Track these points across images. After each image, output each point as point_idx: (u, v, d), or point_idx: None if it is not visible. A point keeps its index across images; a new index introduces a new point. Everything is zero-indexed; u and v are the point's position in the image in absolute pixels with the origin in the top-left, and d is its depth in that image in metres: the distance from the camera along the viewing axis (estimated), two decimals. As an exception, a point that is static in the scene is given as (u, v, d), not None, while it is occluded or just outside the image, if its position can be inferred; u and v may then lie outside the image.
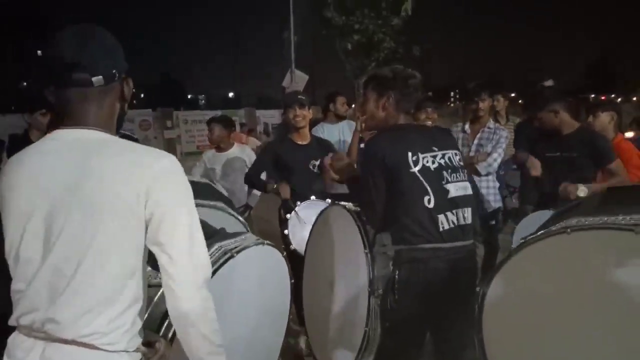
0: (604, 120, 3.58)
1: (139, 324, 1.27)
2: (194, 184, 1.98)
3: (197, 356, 1.28)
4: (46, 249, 1.17)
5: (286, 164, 3.67)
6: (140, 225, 1.21)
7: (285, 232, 3.39)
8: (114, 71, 1.27)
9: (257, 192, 4.70)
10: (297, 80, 12.22)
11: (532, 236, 1.46)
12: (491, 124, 4.27)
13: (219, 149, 4.74)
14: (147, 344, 1.31)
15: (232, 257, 1.76)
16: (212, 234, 1.91)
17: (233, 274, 1.79)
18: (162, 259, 1.23)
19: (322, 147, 3.78)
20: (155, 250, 1.23)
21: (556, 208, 2.88)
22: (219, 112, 16.30)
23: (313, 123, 4.26)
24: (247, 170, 4.68)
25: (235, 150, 4.73)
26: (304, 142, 3.72)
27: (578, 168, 3.12)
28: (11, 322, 1.22)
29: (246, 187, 4.72)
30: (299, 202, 3.47)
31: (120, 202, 1.18)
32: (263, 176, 4.01)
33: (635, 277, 1.25)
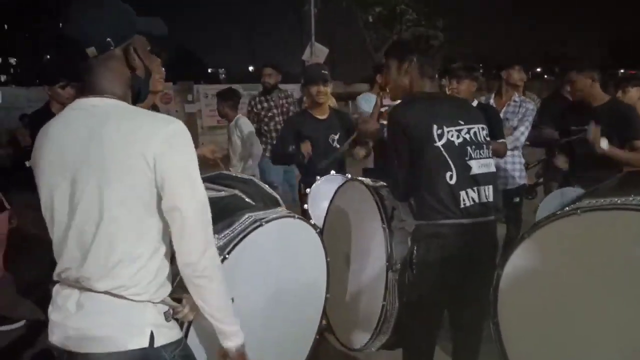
0: (634, 95, 3.44)
1: (163, 276, 1.34)
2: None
3: (207, 312, 1.37)
4: (71, 212, 1.28)
5: (306, 138, 3.62)
6: (150, 186, 1.25)
7: (305, 206, 3.38)
8: (108, 39, 1.29)
9: (249, 169, 4.78)
10: (317, 53, 12.03)
11: (544, 218, 1.44)
12: (517, 97, 4.14)
13: (229, 121, 4.98)
14: (176, 300, 1.40)
15: (260, 225, 1.78)
16: (245, 207, 1.96)
17: (262, 242, 1.81)
18: (169, 219, 1.29)
19: (342, 120, 3.74)
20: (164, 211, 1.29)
21: (580, 185, 2.83)
22: (239, 86, 16.29)
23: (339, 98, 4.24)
24: (238, 140, 4.83)
25: (232, 122, 4.89)
26: (323, 117, 3.69)
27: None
28: (54, 276, 1.37)
29: (243, 159, 4.86)
30: (318, 177, 3.45)
31: (128, 164, 1.23)
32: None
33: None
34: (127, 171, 1.24)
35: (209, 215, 1.34)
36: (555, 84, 4.97)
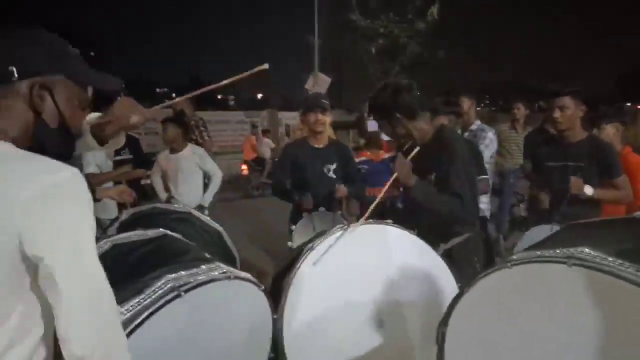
0: (610, 132, 3.40)
1: None
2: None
3: None
4: None
5: (301, 167, 3.56)
6: (13, 253, 0.98)
7: (289, 244, 3.28)
8: (10, 68, 1.09)
9: (212, 192, 4.61)
10: (319, 82, 12.20)
11: (482, 271, 1.47)
12: (474, 125, 4.28)
13: (173, 150, 4.65)
14: None
15: (178, 296, 1.42)
16: (182, 254, 1.70)
17: (179, 315, 1.47)
18: (49, 299, 1.02)
19: (339, 151, 3.68)
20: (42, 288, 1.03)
21: (559, 222, 2.82)
22: (241, 113, 16.48)
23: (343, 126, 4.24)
24: (198, 170, 4.63)
25: (187, 151, 4.64)
26: (320, 145, 3.60)
27: (584, 178, 2.96)
28: None
29: (199, 188, 4.66)
30: (305, 213, 3.34)
31: None
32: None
33: (568, 308, 1.25)
34: None
35: (104, 292, 1.07)
36: (543, 116, 5.03)
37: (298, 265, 1.95)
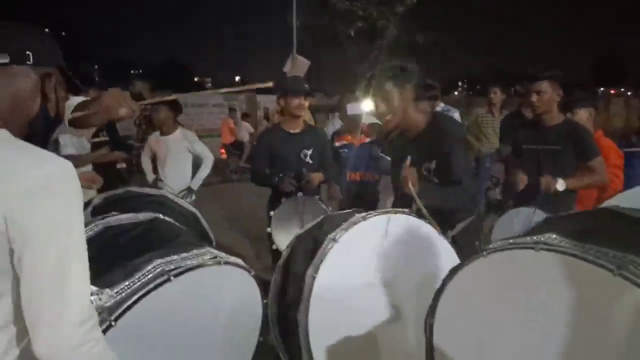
0: (582, 117, 3.45)
1: (14, 353, 1.09)
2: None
3: None
4: None
5: (277, 153, 3.51)
6: (4, 250, 1.01)
7: (268, 230, 3.26)
8: (27, 52, 1.13)
9: (203, 175, 4.54)
10: (298, 65, 12.09)
11: (460, 262, 1.50)
12: (439, 107, 4.36)
13: (163, 132, 4.55)
14: None
15: (167, 280, 1.41)
16: (172, 238, 1.70)
17: (172, 299, 1.47)
18: (24, 297, 1.03)
19: (315, 136, 3.64)
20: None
21: (536, 204, 2.86)
22: (219, 96, 16.23)
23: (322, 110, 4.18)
24: (187, 153, 4.53)
25: (177, 134, 4.55)
26: (296, 131, 3.54)
27: (560, 162, 3.02)
28: None
29: (187, 171, 4.56)
30: (284, 199, 3.33)
31: None
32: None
33: (539, 292, 1.30)
34: None
35: (83, 289, 1.07)
36: (519, 100, 5.10)
37: (323, 257, 1.88)
